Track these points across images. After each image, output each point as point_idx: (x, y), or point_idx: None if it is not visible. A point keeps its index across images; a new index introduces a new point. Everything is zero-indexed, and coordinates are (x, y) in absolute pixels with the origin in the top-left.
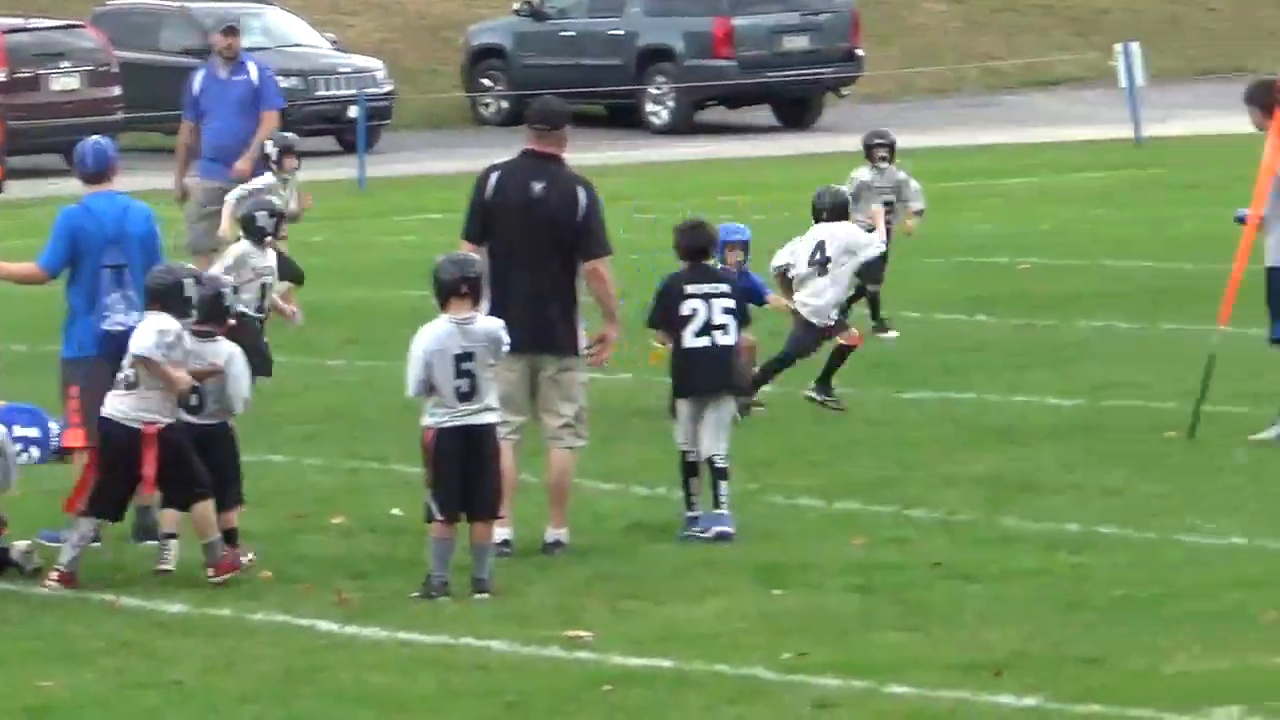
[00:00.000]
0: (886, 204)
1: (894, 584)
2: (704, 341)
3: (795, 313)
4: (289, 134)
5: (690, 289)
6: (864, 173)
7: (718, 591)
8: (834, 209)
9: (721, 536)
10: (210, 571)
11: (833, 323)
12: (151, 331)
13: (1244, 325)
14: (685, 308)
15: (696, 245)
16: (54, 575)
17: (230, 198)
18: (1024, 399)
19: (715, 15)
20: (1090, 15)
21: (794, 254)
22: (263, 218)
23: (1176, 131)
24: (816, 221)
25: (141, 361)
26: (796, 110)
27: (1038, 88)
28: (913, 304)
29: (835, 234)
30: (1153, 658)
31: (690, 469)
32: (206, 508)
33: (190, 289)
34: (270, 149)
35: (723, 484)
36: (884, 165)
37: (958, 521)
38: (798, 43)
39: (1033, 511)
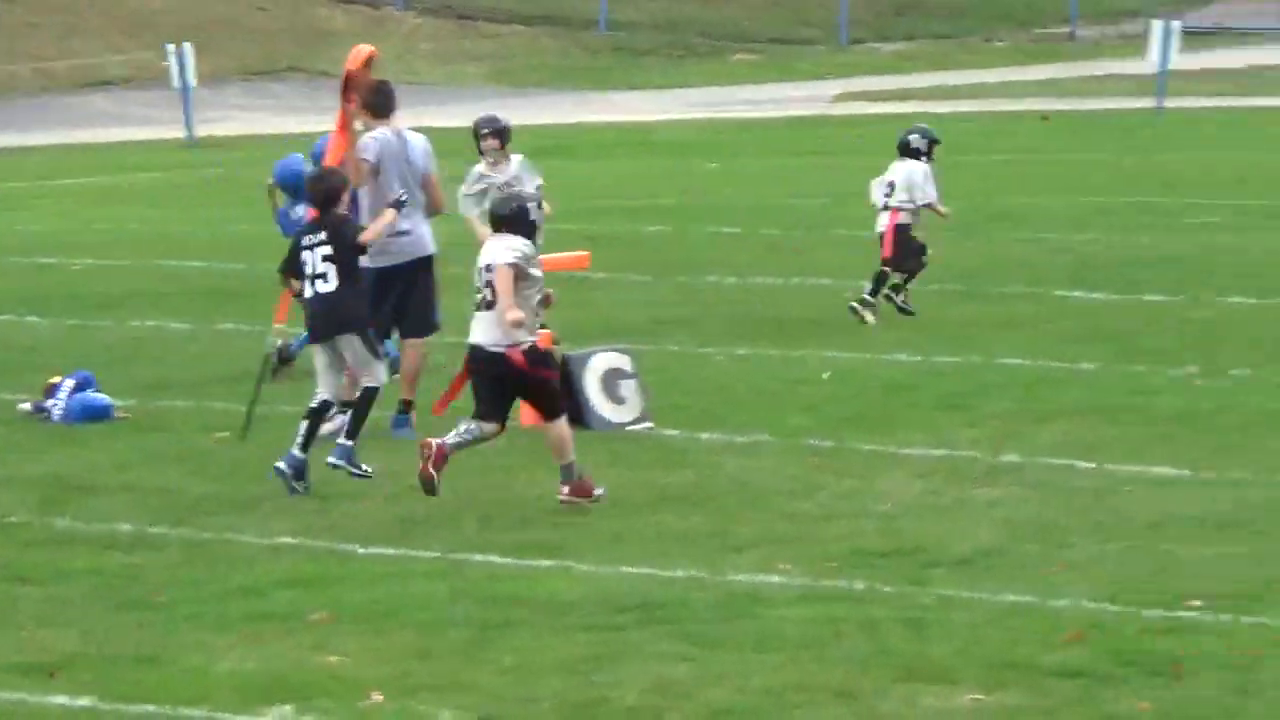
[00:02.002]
0: None
1: None
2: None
3: None
4: None
5: None
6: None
7: None
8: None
9: None
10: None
11: None
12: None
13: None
14: None
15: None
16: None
17: None
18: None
19: None
20: (143, 16)
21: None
22: None
23: (230, 131)
24: None
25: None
26: None
27: (92, 88)
28: None
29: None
30: (207, 656)
31: None
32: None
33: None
34: None
35: None
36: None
37: (11, 523)
38: None
39: (86, 512)
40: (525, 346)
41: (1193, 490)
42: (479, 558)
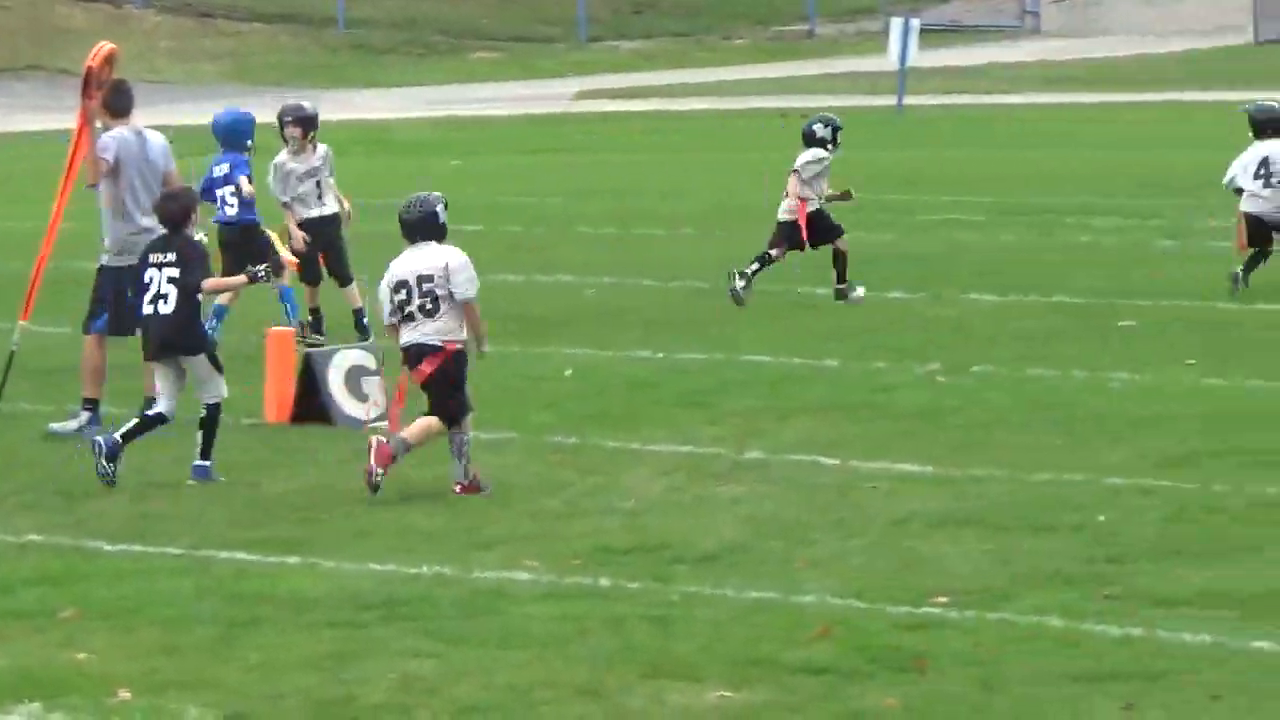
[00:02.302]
0: None
1: None
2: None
3: None
4: None
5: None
6: None
7: None
8: None
9: None
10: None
11: None
12: None
13: (43, 322)
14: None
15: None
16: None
17: None
18: None
19: None
20: None
21: None
22: None
23: None
24: None
25: None
26: None
27: None
28: None
29: None
30: None
31: None
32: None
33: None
34: None
35: None
36: None
37: None
38: None
39: None
40: (458, 347)
41: (935, 487)
42: (224, 554)
